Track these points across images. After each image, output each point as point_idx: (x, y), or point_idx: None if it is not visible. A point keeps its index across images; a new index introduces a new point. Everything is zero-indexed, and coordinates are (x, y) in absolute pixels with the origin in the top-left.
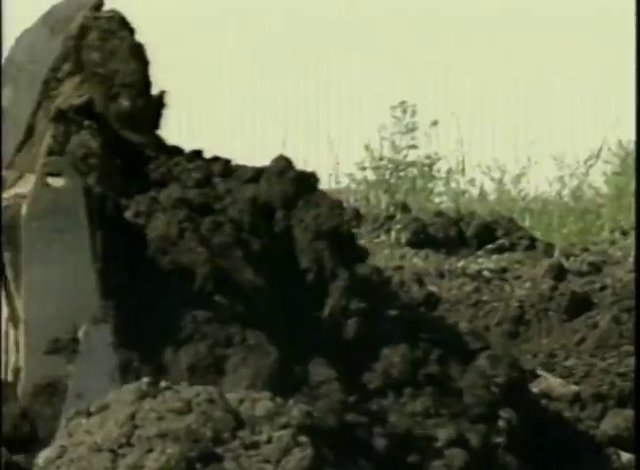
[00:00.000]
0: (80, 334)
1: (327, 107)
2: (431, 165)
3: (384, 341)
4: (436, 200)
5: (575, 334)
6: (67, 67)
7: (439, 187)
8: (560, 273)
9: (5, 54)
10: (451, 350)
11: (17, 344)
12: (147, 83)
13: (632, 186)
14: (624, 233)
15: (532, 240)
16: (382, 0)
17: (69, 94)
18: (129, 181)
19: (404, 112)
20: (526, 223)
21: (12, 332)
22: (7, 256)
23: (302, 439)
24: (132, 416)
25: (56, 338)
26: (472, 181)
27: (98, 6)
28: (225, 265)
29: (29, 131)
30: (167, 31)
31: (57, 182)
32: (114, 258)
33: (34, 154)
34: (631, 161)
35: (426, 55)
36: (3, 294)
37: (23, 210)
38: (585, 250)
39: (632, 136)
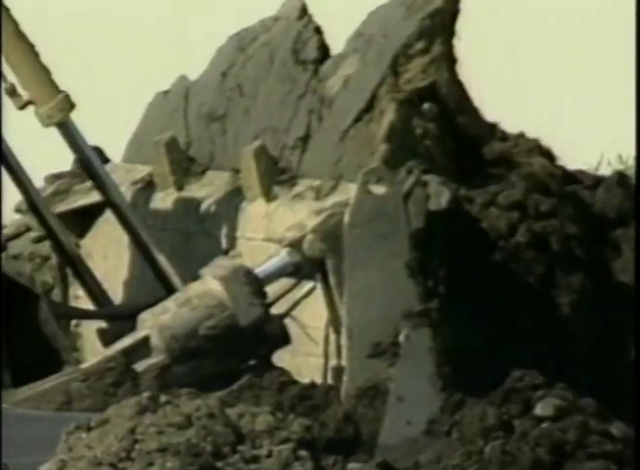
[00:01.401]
0: (401, 338)
1: None
2: None
3: None
4: None
5: None
6: (419, 45)
7: None
8: None
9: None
10: None
11: (338, 348)
12: None
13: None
14: None
15: None
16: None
17: (416, 74)
18: (462, 167)
19: None
20: None
21: (332, 337)
22: (330, 263)
23: (303, 453)
24: (132, 430)
25: (378, 342)
26: None
27: None
28: (556, 268)
29: (371, 103)
30: None
31: (378, 189)
32: (440, 251)
33: (373, 129)
34: (631, 175)
35: None
36: (325, 300)
37: (346, 217)
38: None
39: (632, 151)
